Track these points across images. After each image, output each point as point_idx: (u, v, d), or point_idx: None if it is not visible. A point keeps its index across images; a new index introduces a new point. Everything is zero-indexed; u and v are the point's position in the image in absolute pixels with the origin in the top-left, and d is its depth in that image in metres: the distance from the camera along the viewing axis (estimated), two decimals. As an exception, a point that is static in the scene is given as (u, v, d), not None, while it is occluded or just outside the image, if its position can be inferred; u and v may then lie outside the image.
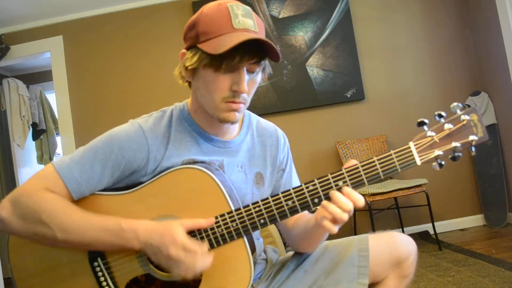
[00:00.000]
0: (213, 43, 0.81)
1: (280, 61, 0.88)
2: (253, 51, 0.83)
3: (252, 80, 0.89)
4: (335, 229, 0.80)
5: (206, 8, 0.86)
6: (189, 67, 0.87)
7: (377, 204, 2.94)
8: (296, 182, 1.10)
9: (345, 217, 0.78)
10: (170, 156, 0.91)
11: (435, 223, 2.64)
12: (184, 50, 0.89)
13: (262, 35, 0.85)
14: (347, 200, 0.78)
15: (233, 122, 0.90)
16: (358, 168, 0.80)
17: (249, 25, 0.83)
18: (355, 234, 2.87)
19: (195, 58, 0.85)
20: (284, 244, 2.76)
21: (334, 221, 0.80)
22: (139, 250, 0.82)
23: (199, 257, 0.80)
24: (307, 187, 0.82)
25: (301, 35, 3.13)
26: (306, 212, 0.86)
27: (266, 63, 0.90)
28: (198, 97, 0.92)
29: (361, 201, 0.79)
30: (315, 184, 0.81)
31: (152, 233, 0.81)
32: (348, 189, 0.79)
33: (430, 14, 3.17)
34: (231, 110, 0.87)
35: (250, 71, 0.87)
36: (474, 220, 3.08)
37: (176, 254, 0.78)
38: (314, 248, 0.99)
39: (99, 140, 0.91)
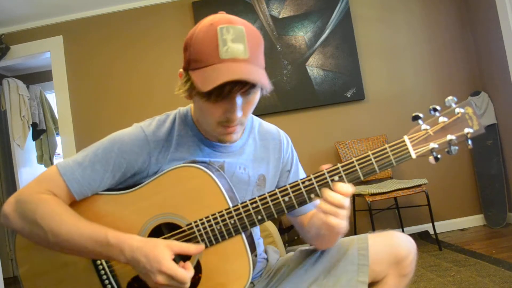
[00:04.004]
0: (200, 76, 0.79)
1: (268, 90, 0.84)
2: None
3: (248, 102, 0.85)
4: (334, 221, 0.78)
5: (198, 28, 0.82)
6: (183, 91, 0.87)
7: (377, 204, 2.94)
8: None
9: (337, 210, 0.78)
10: (172, 160, 0.93)
11: (435, 223, 2.63)
12: (181, 70, 0.88)
13: (254, 60, 0.80)
14: (334, 194, 0.78)
15: (231, 142, 0.92)
16: (353, 162, 0.80)
17: (238, 52, 0.78)
18: (355, 234, 2.86)
19: (187, 86, 0.85)
20: (284, 244, 2.77)
21: (333, 216, 0.79)
22: (126, 264, 0.82)
23: (186, 286, 0.79)
24: (303, 183, 0.82)
25: (301, 35, 3.13)
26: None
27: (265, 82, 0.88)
28: (197, 115, 0.93)
29: (345, 189, 0.78)
30: (311, 179, 0.82)
31: (138, 252, 0.79)
32: (336, 184, 0.79)
33: (430, 14, 3.17)
34: (227, 133, 0.88)
35: (245, 94, 0.83)
36: (474, 220, 3.07)
37: (162, 282, 0.78)
38: (331, 245, 0.97)
39: (102, 143, 0.92)
